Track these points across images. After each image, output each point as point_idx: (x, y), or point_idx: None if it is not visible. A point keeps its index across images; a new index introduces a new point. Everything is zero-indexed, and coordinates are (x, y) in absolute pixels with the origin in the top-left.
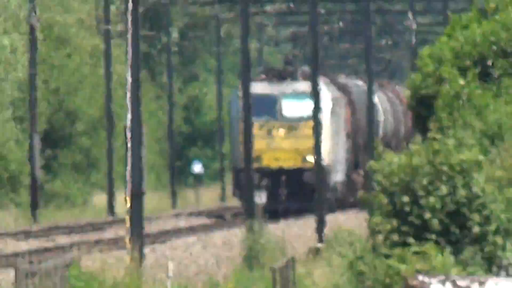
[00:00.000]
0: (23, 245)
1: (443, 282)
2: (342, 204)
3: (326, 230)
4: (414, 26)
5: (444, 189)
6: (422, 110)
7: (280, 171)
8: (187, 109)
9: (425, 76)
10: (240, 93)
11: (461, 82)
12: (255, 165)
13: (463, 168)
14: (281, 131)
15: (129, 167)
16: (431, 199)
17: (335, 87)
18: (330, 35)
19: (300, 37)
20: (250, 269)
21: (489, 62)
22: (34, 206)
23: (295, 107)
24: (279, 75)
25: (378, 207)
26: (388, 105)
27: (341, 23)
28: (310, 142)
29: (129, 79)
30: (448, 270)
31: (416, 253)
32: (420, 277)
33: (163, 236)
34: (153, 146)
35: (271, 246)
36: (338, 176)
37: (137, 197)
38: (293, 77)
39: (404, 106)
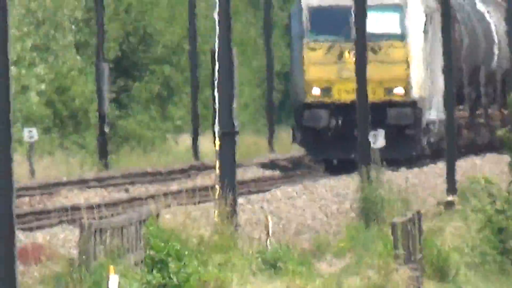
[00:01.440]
0: (91, 196)
1: None
2: (437, 150)
3: (458, 179)
4: None
5: None
6: None
7: (355, 107)
8: None
9: None
10: (304, 5)
11: None
12: (322, 99)
13: None
14: None
15: (217, 101)
16: None
17: None
18: None
19: None
20: (366, 225)
21: None
22: (103, 149)
23: (376, 22)
24: None
25: None
26: (503, 25)
27: None
28: (398, 69)
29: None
30: None
31: None
32: None
33: (260, 184)
34: (247, 76)
35: (392, 198)
36: (433, 114)
37: (228, 137)
38: None
39: None
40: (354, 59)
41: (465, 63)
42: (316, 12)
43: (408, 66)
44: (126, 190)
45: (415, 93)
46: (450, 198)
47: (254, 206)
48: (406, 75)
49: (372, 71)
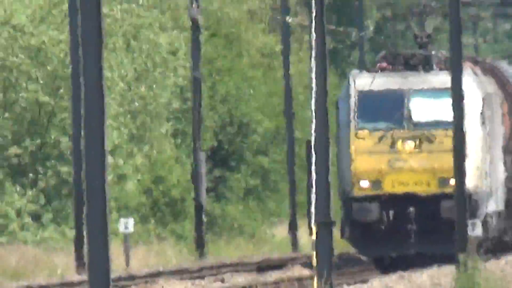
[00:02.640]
0: (188, 286)
1: None
2: (499, 244)
3: None
4: None
5: None
6: None
7: (408, 199)
8: None
9: None
10: (353, 90)
11: None
12: (372, 191)
13: None
14: (410, 144)
15: (314, 191)
16: None
17: (490, 79)
18: None
19: None
20: None
21: None
22: (199, 238)
23: (430, 109)
24: (407, 63)
25: None
26: None
27: None
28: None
29: (314, 85)
30: None
31: None
32: None
33: (358, 275)
34: None
35: (489, 286)
36: (491, 206)
37: (324, 226)
38: (428, 65)
39: None
40: (408, 148)
41: None
42: (366, 97)
43: (464, 156)
44: (222, 280)
45: (471, 184)
46: None
47: None
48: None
49: (426, 161)
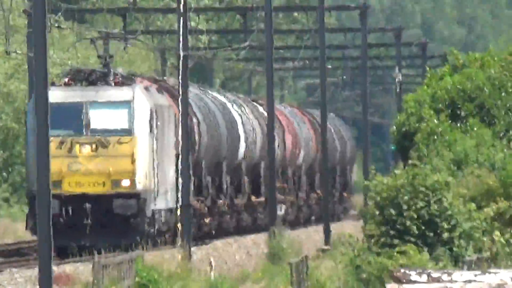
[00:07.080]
0: None
1: (420, 274)
2: (170, 233)
3: (332, 235)
4: (400, 78)
5: (420, 204)
6: (405, 143)
7: (84, 198)
8: None
9: (408, 116)
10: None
11: (436, 121)
12: (54, 190)
13: (436, 187)
14: (87, 149)
15: (180, 178)
16: (411, 211)
17: (164, 95)
18: (335, 85)
19: (312, 86)
20: (273, 264)
21: (458, 105)
22: None
23: (106, 119)
24: (87, 79)
25: (371, 217)
26: (255, 122)
27: (344, 76)
28: (125, 163)
29: (180, 124)
30: (425, 265)
31: (400, 252)
32: (403, 270)
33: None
34: None
35: (289, 247)
36: (160, 204)
37: (186, 208)
38: (105, 81)
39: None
40: (85, 152)
41: (209, 158)
42: (49, 108)
43: (134, 160)
44: None
45: (140, 185)
46: (325, 247)
47: (202, 251)
48: (132, 169)
49: (101, 164)
